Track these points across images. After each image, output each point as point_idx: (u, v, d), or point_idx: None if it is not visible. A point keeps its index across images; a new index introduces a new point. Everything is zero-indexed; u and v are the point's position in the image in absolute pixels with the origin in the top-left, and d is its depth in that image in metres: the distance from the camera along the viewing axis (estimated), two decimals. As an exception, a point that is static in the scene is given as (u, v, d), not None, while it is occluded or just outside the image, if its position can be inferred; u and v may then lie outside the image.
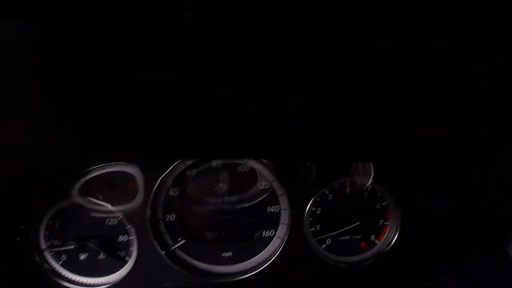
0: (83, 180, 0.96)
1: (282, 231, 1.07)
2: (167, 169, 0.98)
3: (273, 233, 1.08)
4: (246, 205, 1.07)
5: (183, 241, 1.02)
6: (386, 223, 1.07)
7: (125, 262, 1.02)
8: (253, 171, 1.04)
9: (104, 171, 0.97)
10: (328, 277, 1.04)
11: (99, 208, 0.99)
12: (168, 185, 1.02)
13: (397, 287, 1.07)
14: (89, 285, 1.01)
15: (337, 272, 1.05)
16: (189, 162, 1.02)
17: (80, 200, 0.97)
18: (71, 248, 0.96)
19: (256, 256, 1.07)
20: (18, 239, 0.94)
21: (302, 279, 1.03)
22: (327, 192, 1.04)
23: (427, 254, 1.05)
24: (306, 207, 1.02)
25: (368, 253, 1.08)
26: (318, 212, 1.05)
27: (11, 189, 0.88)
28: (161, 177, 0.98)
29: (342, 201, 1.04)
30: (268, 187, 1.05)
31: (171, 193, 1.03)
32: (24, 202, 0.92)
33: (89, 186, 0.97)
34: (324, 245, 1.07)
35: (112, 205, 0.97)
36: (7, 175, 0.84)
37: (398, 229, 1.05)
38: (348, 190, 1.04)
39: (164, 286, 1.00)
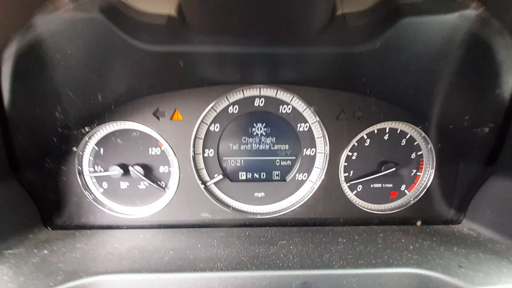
0: (130, 105, 0.96)
1: (315, 175, 1.09)
2: (211, 103, 0.99)
3: (306, 177, 1.10)
4: (282, 147, 1.09)
5: (219, 177, 1.06)
6: (418, 173, 1.09)
7: (164, 192, 1.06)
8: (294, 112, 1.04)
9: (151, 98, 0.97)
10: (355, 221, 1.07)
11: (144, 134, 1.00)
12: (210, 120, 1.04)
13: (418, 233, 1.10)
14: (129, 214, 1.05)
15: (364, 217, 1.08)
16: (232, 99, 1.04)
17: (126, 125, 0.99)
18: (115, 174, 0.99)
19: (287, 198, 1.11)
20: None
21: (330, 222, 1.07)
22: (365, 137, 1.05)
23: (453, 205, 1.08)
24: (343, 151, 1.04)
25: (397, 203, 1.11)
26: (353, 157, 1.07)
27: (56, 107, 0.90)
28: (205, 111, 0.99)
29: (379, 148, 1.05)
30: (307, 129, 1.06)
31: (212, 128, 1.05)
32: (70, 124, 0.94)
33: (135, 112, 0.97)
34: (355, 191, 1.10)
35: (158, 133, 0.99)
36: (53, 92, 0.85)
37: (430, 181, 1.07)
38: (386, 137, 1.05)
39: (201, 218, 1.05)
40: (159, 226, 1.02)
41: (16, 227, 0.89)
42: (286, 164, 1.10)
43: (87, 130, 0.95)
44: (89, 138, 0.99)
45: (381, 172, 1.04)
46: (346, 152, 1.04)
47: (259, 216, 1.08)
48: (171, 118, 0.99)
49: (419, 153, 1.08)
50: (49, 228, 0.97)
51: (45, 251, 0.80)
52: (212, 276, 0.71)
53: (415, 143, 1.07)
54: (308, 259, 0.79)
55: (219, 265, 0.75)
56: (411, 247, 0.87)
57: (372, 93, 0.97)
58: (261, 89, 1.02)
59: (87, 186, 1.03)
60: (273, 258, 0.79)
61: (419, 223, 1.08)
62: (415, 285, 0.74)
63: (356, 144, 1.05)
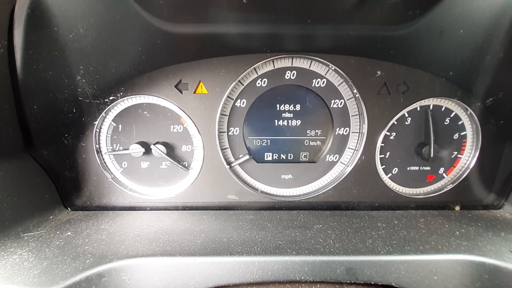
0: (149, 76, 0.87)
1: (347, 157, 1.02)
2: (239, 76, 0.89)
3: (337, 158, 1.03)
4: (312, 126, 1.00)
5: (245, 158, 0.99)
6: (459, 155, 1.01)
7: (187, 173, 0.99)
8: (328, 86, 0.95)
9: (172, 68, 0.87)
10: (391, 205, 1.01)
11: (165, 109, 0.92)
12: (236, 94, 0.95)
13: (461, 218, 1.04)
14: (152, 195, 0.99)
15: (400, 202, 1.02)
16: (261, 71, 0.94)
17: (145, 99, 0.91)
18: (136, 153, 0.92)
19: (317, 181, 1.04)
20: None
21: (364, 206, 1.00)
22: (406, 115, 0.96)
23: (494, 189, 1.01)
24: (382, 131, 0.95)
25: (433, 187, 1.04)
26: (391, 137, 0.99)
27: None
28: (232, 84, 0.90)
29: (420, 127, 0.97)
30: (341, 106, 0.97)
31: (238, 103, 0.96)
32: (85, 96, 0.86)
33: (156, 84, 0.88)
34: (390, 174, 1.02)
35: (180, 108, 0.90)
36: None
37: (472, 163, 0.99)
38: (430, 115, 0.95)
39: (227, 200, 0.99)
40: (184, 208, 0.97)
41: (34, 207, 0.83)
42: (316, 144, 1.03)
43: (111, 99, 0.86)
44: (106, 113, 0.91)
45: (418, 155, 0.97)
46: (384, 132, 0.96)
47: (288, 199, 1.02)
48: (194, 92, 0.90)
49: (462, 133, 0.99)
50: (69, 209, 0.92)
51: (69, 233, 0.76)
52: (250, 260, 0.66)
53: (460, 122, 0.98)
54: (350, 244, 0.73)
55: (256, 249, 0.70)
56: (457, 232, 0.81)
57: (419, 64, 0.87)
58: (294, 60, 0.92)
59: (106, 165, 0.97)
60: (312, 242, 0.74)
61: (457, 207, 1.01)
62: (468, 272, 0.69)
63: (395, 122, 0.96)
